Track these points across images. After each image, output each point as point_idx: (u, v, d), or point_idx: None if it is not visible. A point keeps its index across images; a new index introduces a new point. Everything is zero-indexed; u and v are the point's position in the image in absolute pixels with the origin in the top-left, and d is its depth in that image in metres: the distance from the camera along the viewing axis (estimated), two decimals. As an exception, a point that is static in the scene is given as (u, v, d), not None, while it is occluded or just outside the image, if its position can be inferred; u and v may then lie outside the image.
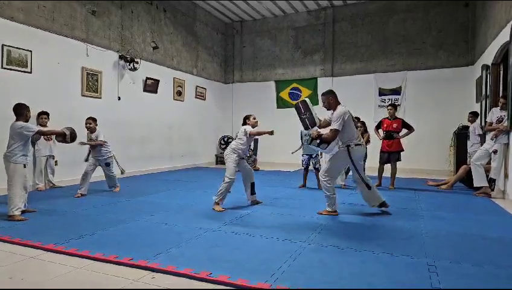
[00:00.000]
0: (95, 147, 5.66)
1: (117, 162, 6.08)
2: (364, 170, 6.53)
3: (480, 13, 8.29)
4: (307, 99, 4.52)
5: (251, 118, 4.86)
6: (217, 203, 4.59)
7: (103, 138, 5.68)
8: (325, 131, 4.38)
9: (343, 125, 4.13)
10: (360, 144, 4.26)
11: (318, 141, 4.24)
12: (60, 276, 2.50)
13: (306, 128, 4.55)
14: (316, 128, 4.40)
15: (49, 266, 2.70)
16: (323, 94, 4.42)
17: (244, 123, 4.88)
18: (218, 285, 2.34)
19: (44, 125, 5.87)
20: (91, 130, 5.68)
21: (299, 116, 4.50)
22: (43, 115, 5.93)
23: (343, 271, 2.55)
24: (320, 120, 4.47)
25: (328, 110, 4.41)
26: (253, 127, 4.80)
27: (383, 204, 4.40)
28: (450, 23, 9.22)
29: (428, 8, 9.44)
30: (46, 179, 6.19)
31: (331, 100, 4.31)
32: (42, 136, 5.62)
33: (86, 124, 5.66)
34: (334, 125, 4.12)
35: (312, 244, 3.15)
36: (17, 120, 4.16)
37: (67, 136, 4.51)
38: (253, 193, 4.92)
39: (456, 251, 3.00)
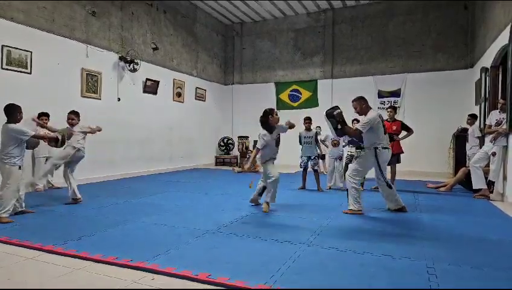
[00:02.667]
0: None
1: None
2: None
3: (479, 16, 8.31)
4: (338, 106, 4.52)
5: (274, 114, 4.51)
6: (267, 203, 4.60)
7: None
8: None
9: (368, 129, 4.34)
10: (387, 148, 4.48)
11: (339, 127, 4.34)
12: (59, 277, 2.50)
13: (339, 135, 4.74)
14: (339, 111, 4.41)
15: (47, 267, 2.69)
16: (354, 100, 4.58)
17: (266, 119, 4.50)
18: (218, 286, 2.34)
19: (45, 127, 5.86)
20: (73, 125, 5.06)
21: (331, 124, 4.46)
22: (43, 117, 5.92)
23: (343, 273, 2.55)
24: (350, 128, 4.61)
25: (360, 115, 4.59)
26: (275, 123, 4.54)
27: (401, 209, 4.59)
28: (450, 26, 9.25)
29: (428, 10, 9.47)
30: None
31: (363, 105, 4.51)
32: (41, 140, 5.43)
33: (68, 118, 5.08)
34: (359, 126, 4.35)
35: (311, 246, 3.14)
36: (8, 122, 4.07)
37: (59, 142, 4.47)
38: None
39: (455, 253, 3.00)
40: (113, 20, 7.80)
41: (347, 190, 4.58)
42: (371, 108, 4.57)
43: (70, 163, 5.01)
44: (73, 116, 5.10)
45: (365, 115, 4.50)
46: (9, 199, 3.99)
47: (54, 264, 2.74)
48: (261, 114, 4.60)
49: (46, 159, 6.15)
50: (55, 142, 4.48)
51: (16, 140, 4.04)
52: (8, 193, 3.99)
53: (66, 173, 5.00)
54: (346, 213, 4.48)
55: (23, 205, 4.30)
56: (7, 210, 3.97)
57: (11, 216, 4.03)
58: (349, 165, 4.56)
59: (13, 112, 4.08)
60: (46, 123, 5.94)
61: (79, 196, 5.03)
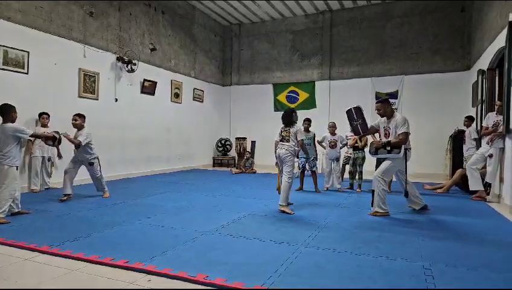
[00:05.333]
0: (78, 146, 5.22)
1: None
2: (362, 173, 6.61)
3: (476, 18, 8.36)
4: (361, 106, 4.69)
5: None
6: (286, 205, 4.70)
7: (83, 139, 5.14)
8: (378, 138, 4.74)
9: None
10: (410, 149, 4.56)
11: (388, 148, 4.39)
12: (55, 278, 2.49)
13: (357, 133, 4.87)
14: (384, 140, 4.54)
15: (44, 268, 2.68)
16: (379, 102, 4.64)
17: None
18: (215, 288, 2.34)
19: (45, 125, 5.98)
20: (77, 128, 5.26)
21: (350, 122, 4.76)
22: (44, 115, 6.04)
23: (340, 274, 2.55)
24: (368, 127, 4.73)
25: (382, 117, 4.64)
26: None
27: (424, 208, 4.73)
28: (447, 28, 9.30)
29: (425, 13, 9.52)
30: (42, 180, 6.14)
31: (388, 107, 4.56)
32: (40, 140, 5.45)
33: (72, 120, 5.27)
34: (403, 129, 4.35)
35: (309, 248, 3.15)
36: (4, 121, 4.08)
37: (56, 140, 4.54)
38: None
39: (451, 254, 3.02)
40: (111, 20, 7.78)
41: (373, 191, 4.51)
42: (394, 110, 4.63)
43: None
44: (77, 117, 5.28)
45: (388, 117, 4.54)
46: (5, 199, 3.97)
47: (50, 265, 2.72)
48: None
49: (48, 159, 6.16)
50: (52, 141, 4.52)
51: (15, 139, 4.04)
52: (4, 194, 3.97)
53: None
54: (374, 215, 4.45)
55: (19, 205, 4.28)
56: (3, 211, 3.95)
57: (7, 217, 4.01)
58: (380, 167, 4.47)
59: (7, 111, 4.08)
60: (47, 122, 6.01)
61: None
